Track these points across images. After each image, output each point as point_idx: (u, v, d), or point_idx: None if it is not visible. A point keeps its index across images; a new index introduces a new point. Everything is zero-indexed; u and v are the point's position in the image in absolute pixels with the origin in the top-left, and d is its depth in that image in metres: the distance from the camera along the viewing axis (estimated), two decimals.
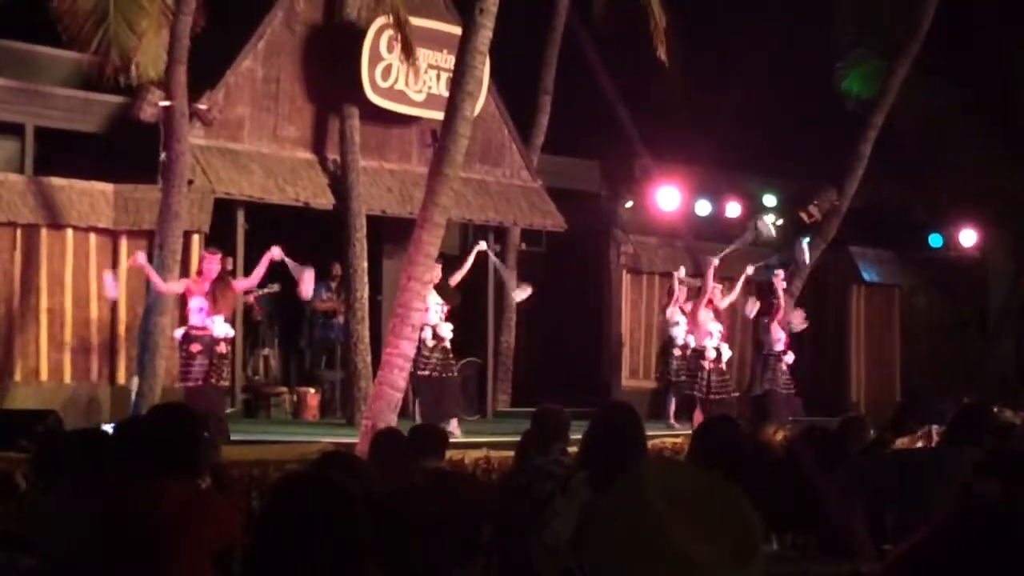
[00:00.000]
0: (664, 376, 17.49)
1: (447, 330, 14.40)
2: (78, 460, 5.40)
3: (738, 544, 1.91)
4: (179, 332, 13.08)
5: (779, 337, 16.68)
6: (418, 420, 13.03)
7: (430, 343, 14.20)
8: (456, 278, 14.66)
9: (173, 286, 13.13)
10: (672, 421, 16.29)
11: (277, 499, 3.19)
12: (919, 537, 3.12)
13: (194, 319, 12.80)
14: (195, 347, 12.71)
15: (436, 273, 14.00)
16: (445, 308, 14.42)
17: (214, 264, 12.97)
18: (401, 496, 3.22)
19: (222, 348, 12.89)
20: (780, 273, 17.07)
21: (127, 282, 15.04)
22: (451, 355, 14.69)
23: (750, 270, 16.80)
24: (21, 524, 5.28)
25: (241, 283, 13.77)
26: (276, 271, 15.73)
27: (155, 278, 12.98)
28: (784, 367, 16.67)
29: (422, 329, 13.98)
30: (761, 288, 18.00)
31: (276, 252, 13.06)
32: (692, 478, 2.00)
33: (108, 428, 8.16)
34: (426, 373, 14.18)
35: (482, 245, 15.33)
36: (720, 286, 16.32)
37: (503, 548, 4.79)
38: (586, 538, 2.00)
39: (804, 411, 16.53)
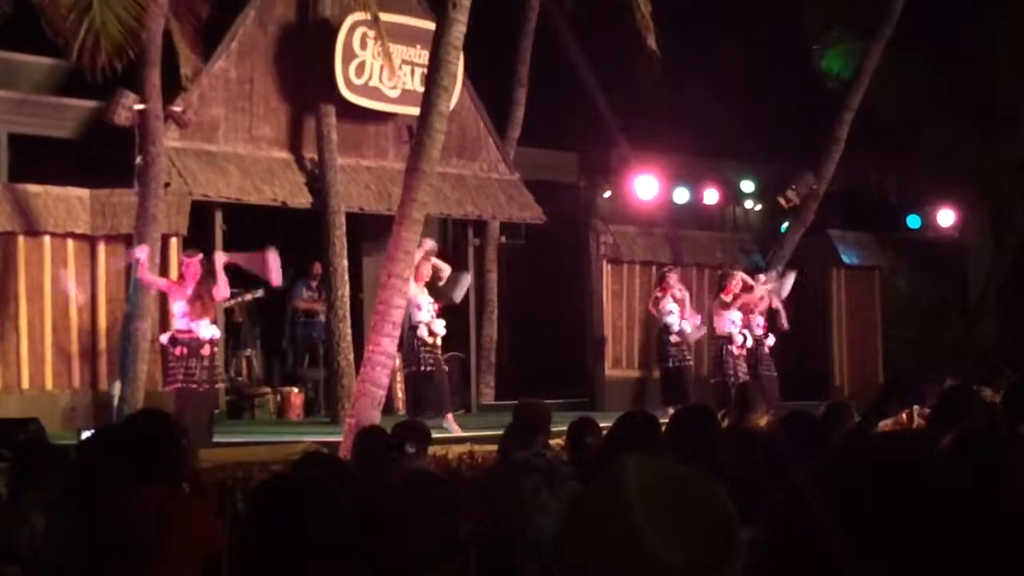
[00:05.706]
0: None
1: (440, 326, 14.38)
2: (59, 468, 5.39)
3: (715, 544, 1.87)
4: (165, 337, 12.99)
5: (758, 323, 16.74)
6: (422, 415, 12.86)
7: (428, 340, 14.20)
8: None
9: (157, 281, 13.21)
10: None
11: (258, 504, 3.19)
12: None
13: (179, 323, 12.72)
14: (180, 350, 12.64)
15: (428, 271, 14.05)
16: (436, 306, 14.40)
17: (194, 266, 12.86)
18: (379, 495, 3.23)
19: (207, 351, 12.77)
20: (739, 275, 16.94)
21: (106, 286, 15.00)
22: (440, 350, 14.71)
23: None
24: (4, 534, 5.27)
25: (217, 293, 13.34)
26: (256, 276, 15.67)
27: (144, 272, 13.04)
28: (766, 351, 16.70)
29: (418, 328, 14.01)
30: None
31: (220, 258, 13.10)
32: (671, 475, 1.95)
33: (88, 434, 8.13)
34: (424, 369, 14.17)
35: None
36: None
37: (483, 545, 4.78)
38: (566, 536, 1.97)
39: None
